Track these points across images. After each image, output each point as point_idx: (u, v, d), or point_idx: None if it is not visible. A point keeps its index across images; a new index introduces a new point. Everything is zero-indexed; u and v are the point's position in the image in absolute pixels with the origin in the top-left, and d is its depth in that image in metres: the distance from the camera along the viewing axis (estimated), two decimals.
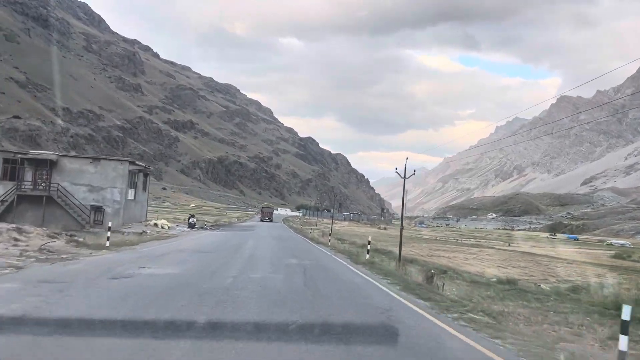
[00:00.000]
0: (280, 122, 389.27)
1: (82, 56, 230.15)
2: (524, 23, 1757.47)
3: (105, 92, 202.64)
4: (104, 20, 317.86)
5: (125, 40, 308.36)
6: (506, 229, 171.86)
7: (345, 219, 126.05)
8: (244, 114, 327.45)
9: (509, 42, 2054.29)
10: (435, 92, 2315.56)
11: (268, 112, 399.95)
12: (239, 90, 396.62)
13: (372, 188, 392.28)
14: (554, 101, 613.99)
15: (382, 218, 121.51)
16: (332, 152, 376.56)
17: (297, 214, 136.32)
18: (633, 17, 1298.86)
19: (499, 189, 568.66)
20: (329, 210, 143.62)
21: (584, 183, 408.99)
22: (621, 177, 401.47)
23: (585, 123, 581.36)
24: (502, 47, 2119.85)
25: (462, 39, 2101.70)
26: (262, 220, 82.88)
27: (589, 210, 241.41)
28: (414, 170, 22.93)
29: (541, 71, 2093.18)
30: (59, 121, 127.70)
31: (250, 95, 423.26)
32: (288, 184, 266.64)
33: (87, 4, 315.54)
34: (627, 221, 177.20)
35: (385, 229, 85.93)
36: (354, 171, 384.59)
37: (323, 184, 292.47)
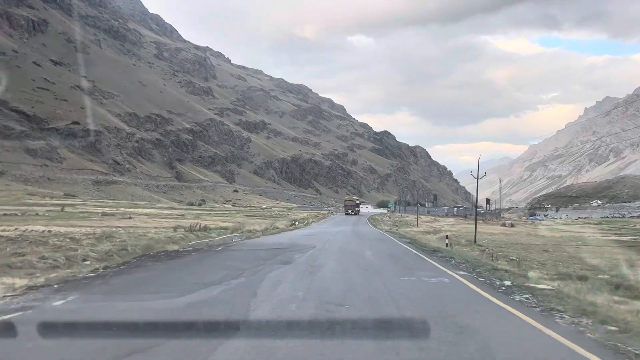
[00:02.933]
0: (353, 118, 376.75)
1: (152, 64, 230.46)
2: None
3: (175, 97, 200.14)
4: (175, 30, 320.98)
5: (197, 47, 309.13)
6: (615, 217, 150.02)
7: (447, 214, 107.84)
8: (317, 111, 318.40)
9: (594, 17, 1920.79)
10: (514, 77, 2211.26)
11: (341, 109, 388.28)
12: (310, 90, 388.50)
13: (455, 180, 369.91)
14: None
15: (490, 211, 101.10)
16: (410, 145, 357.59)
17: (382, 210, 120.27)
18: None
19: (594, 174, 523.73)
20: (422, 205, 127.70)
21: None
22: None
23: None
24: (586, 24, 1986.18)
25: (540, 19, 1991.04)
26: (346, 214, 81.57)
27: None
28: None
29: (632, 45, 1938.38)
30: (125, 126, 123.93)
31: (322, 95, 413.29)
32: (366, 180, 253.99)
33: (159, 16, 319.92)
34: None
35: (512, 225, 68.02)
36: (435, 164, 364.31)
37: (403, 179, 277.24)
